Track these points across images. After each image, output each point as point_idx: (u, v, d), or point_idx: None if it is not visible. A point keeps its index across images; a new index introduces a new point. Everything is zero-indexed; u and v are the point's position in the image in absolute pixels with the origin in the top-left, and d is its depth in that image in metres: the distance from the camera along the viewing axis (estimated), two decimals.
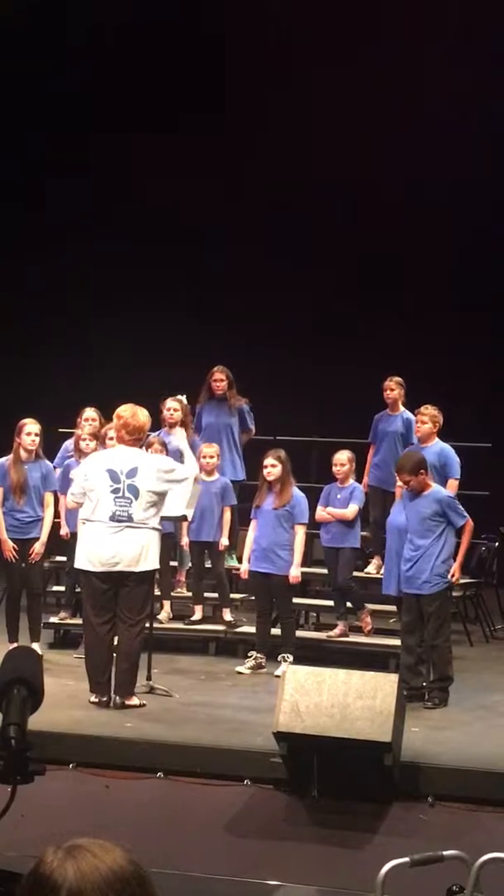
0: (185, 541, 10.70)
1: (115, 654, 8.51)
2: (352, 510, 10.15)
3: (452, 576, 8.68)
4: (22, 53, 15.18)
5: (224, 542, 10.50)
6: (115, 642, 8.54)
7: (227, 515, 10.57)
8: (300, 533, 9.62)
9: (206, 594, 10.78)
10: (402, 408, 11.25)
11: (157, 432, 10.52)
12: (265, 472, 9.72)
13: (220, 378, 11.35)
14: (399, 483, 9.23)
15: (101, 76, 15.01)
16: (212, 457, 10.60)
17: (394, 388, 11.24)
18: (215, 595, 10.76)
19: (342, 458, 10.34)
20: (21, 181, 15.25)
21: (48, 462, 9.98)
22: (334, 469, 10.31)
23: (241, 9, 14.86)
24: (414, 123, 14.53)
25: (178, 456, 10.45)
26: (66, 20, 15.03)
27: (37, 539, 9.70)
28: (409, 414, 11.15)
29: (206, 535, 10.52)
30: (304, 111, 14.71)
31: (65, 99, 15.17)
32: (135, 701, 8.37)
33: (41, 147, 15.30)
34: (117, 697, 8.32)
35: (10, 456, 9.74)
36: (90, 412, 10.65)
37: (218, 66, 15.05)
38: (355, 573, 10.52)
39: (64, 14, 15.02)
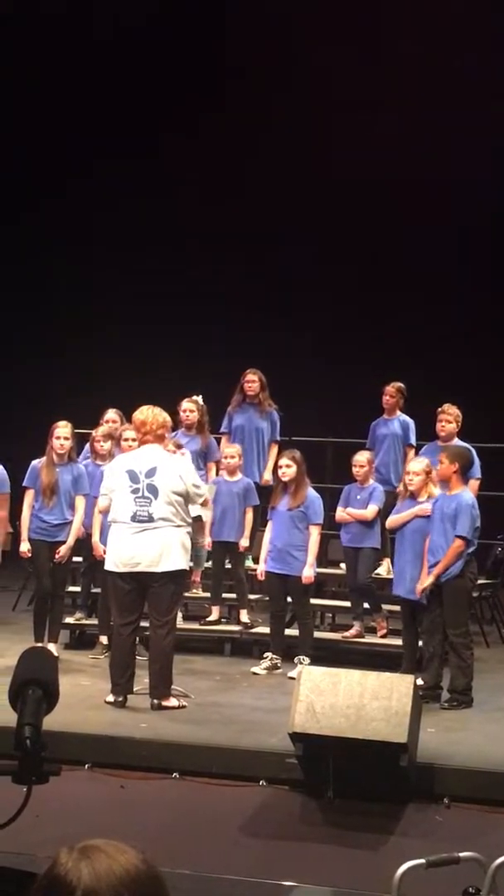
0: (207, 541, 10.70)
1: (137, 657, 8.54)
2: (371, 511, 10.13)
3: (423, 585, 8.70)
4: (18, 54, 15.27)
5: (244, 543, 10.47)
6: (138, 643, 8.59)
7: (250, 516, 10.54)
8: (314, 533, 9.61)
9: (223, 595, 10.79)
10: (398, 412, 11.25)
11: (174, 433, 10.52)
12: (280, 472, 9.74)
13: (251, 380, 11.31)
14: (408, 482, 9.23)
15: (102, 80, 15.09)
16: (233, 457, 10.59)
17: (394, 394, 11.24)
18: (233, 595, 10.76)
19: (361, 459, 10.35)
20: (44, 181, 15.37)
21: (81, 466, 9.99)
22: (354, 470, 10.31)
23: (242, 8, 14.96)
24: (427, 119, 14.53)
25: (195, 458, 10.48)
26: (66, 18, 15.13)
27: (64, 543, 9.72)
28: (405, 417, 11.19)
29: (228, 534, 10.52)
30: (310, 110, 14.75)
31: (73, 102, 15.25)
32: (172, 702, 8.34)
33: (62, 148, 15.41)
34: (154, 700, 8.30)
35: (44, 458, 9.78)
36: (111, 413, 10.66)
37: (219, 67, 15.11)
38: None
39: (64, 12, 15.11)
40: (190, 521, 8.59)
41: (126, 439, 9.66)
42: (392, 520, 9.43)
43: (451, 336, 14.40)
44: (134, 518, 8.29)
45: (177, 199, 15.04)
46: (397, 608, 9.70)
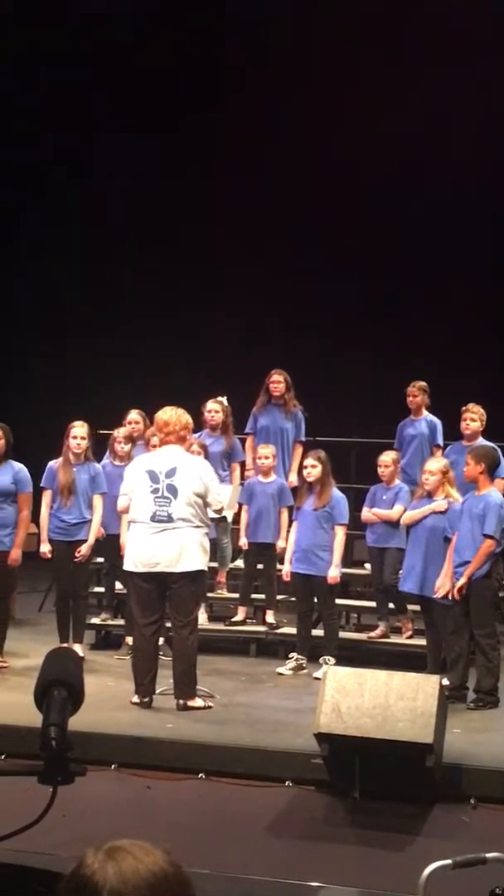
0: (243, 542, 10.68)
1: (161, 655, 8.54)
2: (398, 511, 10.08)
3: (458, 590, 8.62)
4: (17, 48, 15.30)
5: (282, 544, 10.37)
6: (161, 643, 8.59)
7: (285, 516, 10.49)
8: (339, 533, 9.60)
9: (252, 595, 10.78)
10: (425, 412, 11.24)
11: (198, 434, 10.52)
12: (305, 472, 9.73)
13: (277, 380, 11.31)
14: (424, 481, 9.22)
15: (103, 74, 15.11)
16: (267, 457, 10.57)
17: (416, 393, 11.24)
18: (260, 595, 10.76)
19: (387, 459, 10.33)
20: (46, 178, 15.41)
21: (97, 465, 10.01)
22: (379, 470, 10.29)
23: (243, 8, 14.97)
24: (427, 119, 14.51)
25: (219, 459, 10.47)
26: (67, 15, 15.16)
27: (83, 542, 9.73)
28: (432, 417, 11.18)
29: (263, 535, 10.50)
30: (310, 110, 14.74)
31: (69, 98, 15.27)
32: (198, 703, 8.34)
33: (67, 143, 15.45)
34: (179, 700, 8.30)
35: (60, 458, 9.80)
36: (134, 414, 10.66)
37: (220, 69, 15.12)
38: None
39: (65, 9, 15.15)
40: (209, 521, 8.58)
41: (154, 445, 9.64)
42: (408, 516, 9.42)
43: (471, 335, 14.34)
44: (153, 518, 8.30)
45: (186, 199, 15.05)
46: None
